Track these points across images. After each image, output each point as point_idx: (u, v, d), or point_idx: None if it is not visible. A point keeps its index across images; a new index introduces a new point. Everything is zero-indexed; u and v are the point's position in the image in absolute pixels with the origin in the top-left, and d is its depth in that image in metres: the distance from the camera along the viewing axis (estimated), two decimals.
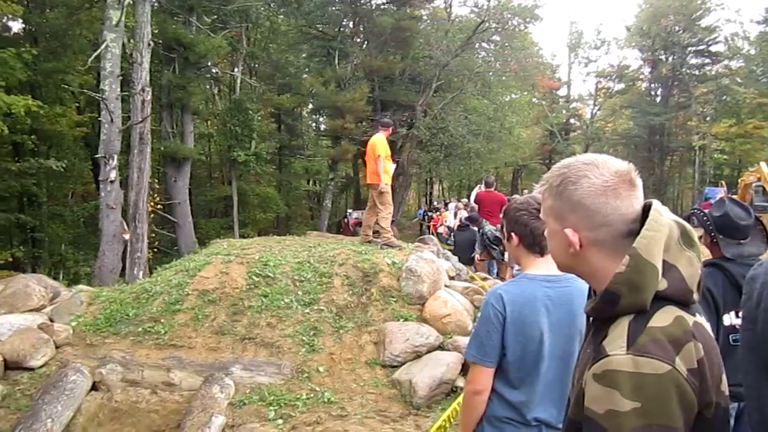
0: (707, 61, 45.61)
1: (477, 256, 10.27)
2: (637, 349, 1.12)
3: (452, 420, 4.24)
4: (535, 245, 2.33)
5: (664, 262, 1.18)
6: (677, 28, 43.93)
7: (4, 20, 19.46)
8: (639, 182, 1.26)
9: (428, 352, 5.96)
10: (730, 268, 2.79)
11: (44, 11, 19.88)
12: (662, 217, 1.20)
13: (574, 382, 1.31)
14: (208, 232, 25.80)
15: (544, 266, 2.30)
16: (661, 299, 1.18)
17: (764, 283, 0.95)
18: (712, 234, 2.91)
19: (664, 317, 1.16)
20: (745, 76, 40.44)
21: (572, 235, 1.26)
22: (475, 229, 11.56)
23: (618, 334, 1.16)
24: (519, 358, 2.23)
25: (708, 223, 2.94)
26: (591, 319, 1.32)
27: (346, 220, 28.37)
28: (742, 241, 2.85)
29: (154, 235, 19.58)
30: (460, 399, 4.40)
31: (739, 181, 27.28)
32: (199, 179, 31.06)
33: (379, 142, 8.19)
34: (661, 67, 45.97)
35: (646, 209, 1.24)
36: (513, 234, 2.40)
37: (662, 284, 1.18)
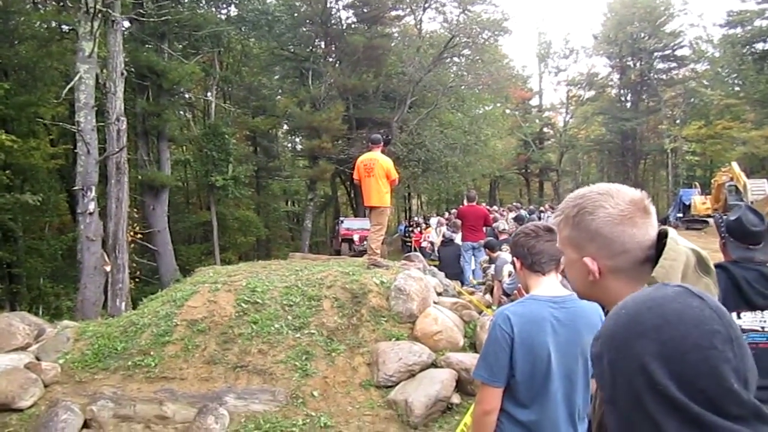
0: (674, 65, 46.63)
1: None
2: None
3: None
4: (534, 264, 2.39)
5: None
6: (643, 35, 44.87)
7: None
8: (652, 209, 1.30)
9: (422, 370, 5.96)
10: (734, 270, 2.88)
11: (14, 44, 19.70)
12: (678, 245, 1.23)
13: (595, 407, 1.32)
14: (189, 258, 25.63)
15: (549, 286, 2.38)
16: None
17: (611, 361, 0.98)
18: (723, 236, 3.03)
19: None
20: (711, 79, 41.35)
21: (591, 264, 1.29)
22: (459, 243, 11.62)
23: None
24: (528, 378, 2.26)
25: (722, 225, 3.06)
26: None
27: (337, 228, 28.36)
28: (752, 247, 2.95)
29: (134, 264, 19.35)
30: (465, 419, 4.41)
31: (713, 181, 27.82)
32: (177, 206, 30.87)
33: (389, 163, 8.00)
34: (629, 73, 46.85)
35: (660, 236, 1.27)
36: (515, 258, 2.47)
37: None
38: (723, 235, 3.04)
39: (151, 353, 6.21)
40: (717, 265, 2.87)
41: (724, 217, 3.15)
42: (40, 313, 13.39)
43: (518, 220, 12.83)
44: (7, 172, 17.88)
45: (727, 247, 3.02)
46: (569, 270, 1.40)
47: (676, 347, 0.87)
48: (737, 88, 38.22)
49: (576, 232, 1.32)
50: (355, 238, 24.80)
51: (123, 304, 12.66)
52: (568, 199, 1.38)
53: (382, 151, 8.34)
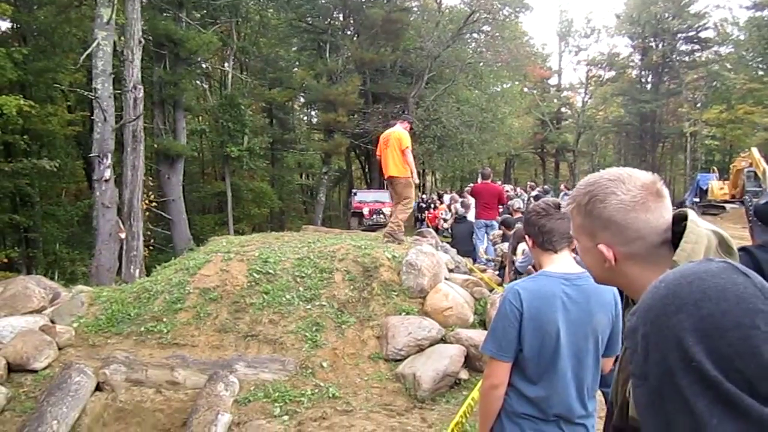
0: (697, 47, 45.74)
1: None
2: None
3: (468, 415, 4.26)
4: (545, 242, 2.38)
5: None
6: (667, 15, 44.04)
7: None
8: (665, 192, 1.27)
9: (431, 345, 5.99)
10: (758, 255, 2.80)
11: (33, 10, 19.69)
12: (699, 227, 1.20)
13: (617, 388, 1.30)
14: (203, 228, 25.80)
15: (561, 263, 2.36)
16: None
17: (644, 335, 0.95)
18: (750, 219, 2.96)
19: None
20: (734, 62, 40.57)
21: (606, 251, 1.27)
22: (472, 220, 11.59)
23: None
24: (536, 354, 2.26)
25: (750, 208, 2.99)
26: None
27: (350, 200, 28.48)
28: None
29: (149, 232, 19.53)
30: (473, 394, 4.43)
31: (731, 166, 27.48)
32: (192, 175, 31.01)
33: (403, 134, 8.00)
34: (651, 54, 46.06)
35: (680, 218, 1.24)
36: (527, 236, 2.47)
37: None
38: (750, 218, 2.97)
39: (164, 320, 6.29)
40: (741, 249, 2.81)
41: (755, 200, 3.08)
42: (56, 277, 13.54)
43: (539, 199, 12.74)
44: (24, 137, 18.00)
45: (753, 230, 2.94)
46: (584, 256, 1.38)
47: (715, 324, 0.85)
48: (761, 72, 37.48)
49: (588, 220, 1.30)
50: (365, 211, 24.60)
51: (137, 271, 12.80)
52: (578, 187, 1.36)
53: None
